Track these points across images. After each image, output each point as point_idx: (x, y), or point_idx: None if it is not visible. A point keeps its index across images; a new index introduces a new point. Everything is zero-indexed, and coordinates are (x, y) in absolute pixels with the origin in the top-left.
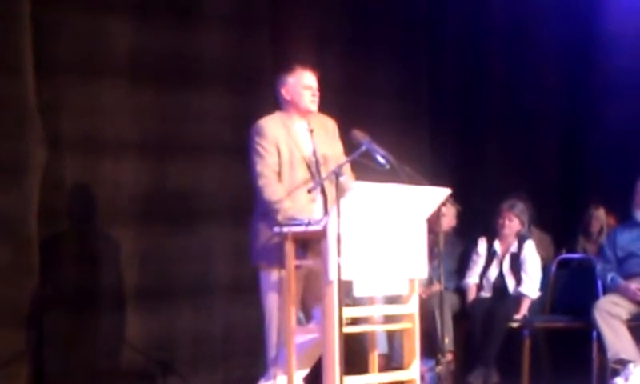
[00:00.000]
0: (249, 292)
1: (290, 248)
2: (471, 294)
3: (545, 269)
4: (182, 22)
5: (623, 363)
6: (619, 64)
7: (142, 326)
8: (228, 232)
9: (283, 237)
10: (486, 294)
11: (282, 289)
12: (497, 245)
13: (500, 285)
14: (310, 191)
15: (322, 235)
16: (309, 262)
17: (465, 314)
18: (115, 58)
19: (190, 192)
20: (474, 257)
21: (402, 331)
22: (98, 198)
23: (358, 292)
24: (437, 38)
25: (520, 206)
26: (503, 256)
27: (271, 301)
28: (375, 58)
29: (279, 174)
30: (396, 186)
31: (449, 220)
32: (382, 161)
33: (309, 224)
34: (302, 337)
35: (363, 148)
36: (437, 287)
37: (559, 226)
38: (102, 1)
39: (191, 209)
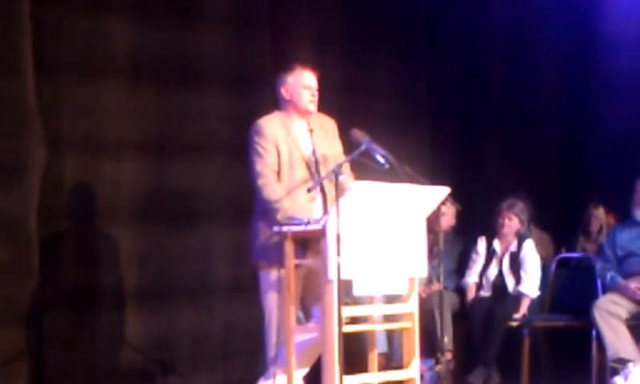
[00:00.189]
0: (248, 291)
1: (289, 247)
2: (471, 294)
3: (544, 268)
4: (182, 22)
5: (623, 362)
6: (619, 64)
7: (142, 325)
8: (228, 232)
9: (283, 236)
10: (486, 293)
11: (282, 288)
12: (496, 244)
13: (499, 284)
14: (309, 190)
15: (321, 234)
16: (308, 262)
17: (464, 314)
18: (115, 58)
19: (189, 192)
20: (474, 256)
21: (401, 330)
22: (97, 198)
23: (357, 291)
24: (436, 38)
25: (519, 205)
26: (503, 255)
27: (271, 300)
28: (375, 58)
29: (278, 173)
30: (395, 186)
31: (448, 219)
32: (381, 160)
33: (308, 223)
34: (301, 336)
35: (363, 147)
36: (436, 286)
37: (559, 225)
38: (101, 1)
39: (191, 208)
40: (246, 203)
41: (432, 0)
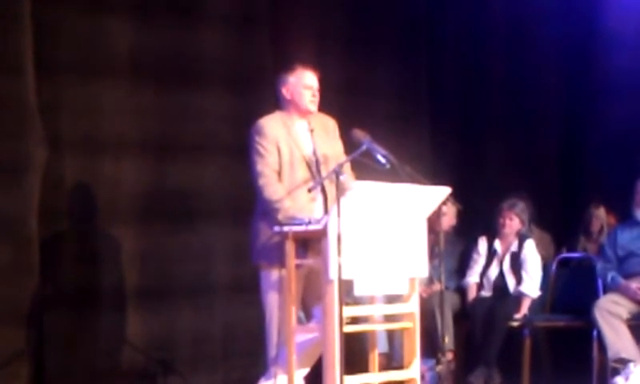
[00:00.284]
0: (249, 291)
1: (290, 247)
2: (471, 294)
3: (545, 268)
4: (182, 21)
5: (624, 362)
6: (619, 63)
7: (143, 325)
8: (228, 231)
9: (283, 236)
10: (487, 293)
11: (283, 288)
12: (497, 244)
13: (500, 284)
14: (310, 190)
15: (322, 234)
16: (309, 261)
17: (465, 314)
18: (115, 57)
19: (190, 192)
20: (475, 256)
21: (402, 330)
22: (98, 198)
23: (358, 291)
24: (437, 38)
25: (520, 205)
26: (503, 255)
27: (272, 300)
28: (375, 58)
29: (279, 173)
30: (396, 186)
31: (449, 219)
32: (382, 160)
33: (309, 223)
34: (302, 336)
35: (364, 147)
36: (437, 286)
37: (559, 225)
38: (102, 1)
39: (191, 208)
40: (246, 203)
41: (432, 0)
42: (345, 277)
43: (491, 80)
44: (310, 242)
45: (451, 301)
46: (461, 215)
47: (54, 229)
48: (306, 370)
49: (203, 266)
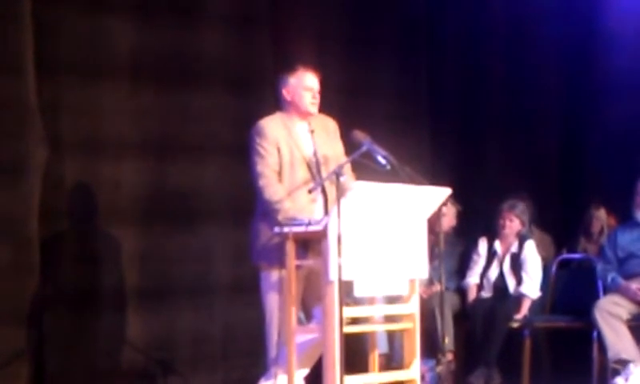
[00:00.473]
0: (249, 292)
1: (290, 248)
2: (472, 294)
3: (545, 269)
4: (183, 22)
5: (624, 363)
6: (619, 63)
7: (143, 325)
8: (228, 232)
9: (284, 237)
10: (487, 294)
11: (283, 289)
12: (497, 245)
13: (500, 285)
14: (310, 191)
15: (322, 235)
16: (309, 262)
17: (465, 314)
18: (116, 58)
19: (190, 192)
20: (475, 257)
21: (402, 331)
22: (98, 198)
23: (358, 292)
24: (437, 38)
25: (520, 206)
26: (504, 256)
27: (272, 301)
28: (375, 58)
29: (279, 174)
30: (396, 186)
31: (449, 220)
32: (382, 161)
33: (309, 224)
34: (302, 336)
35: (364, 148)
36: (437, 287)
37: (560, 226)
38: (102, 1)
39: (191, 209)
40: (246, 204)
41: (432, 0)
42: (345, 277)
43: (491, 80)
44: (311, 243)
45: (451, 301)
46: (461, 216)
47: (54, 229)
48: (306, 371)
49: (203, 267)
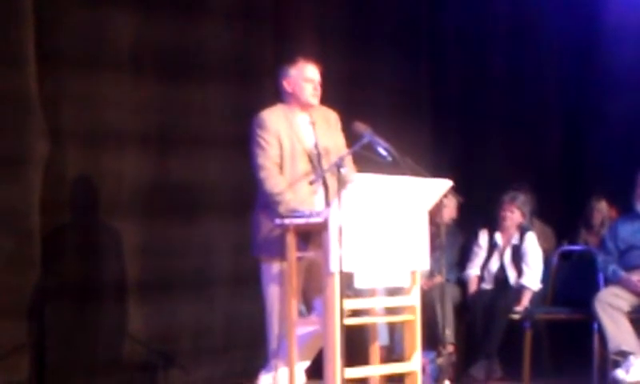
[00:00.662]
0: (250, 284)
1: (291, 240)
2: (472, 286)
3: (546, 261)
4: (184, 14)
5: (624, 355)
6: (622, 57)
7: (144, 318)
8: (230, 224)
9: (285, 229)
10: (487, 285)
11: (284, 281)
12: (498, 237)
13: (501, 277)
14: (311, 183)
15: (323, 227)
16: (310, 254)
17: (466, 306)
18: (117, 50)
19: (191, 184)
20: (476, 249)
21: (403, 323)
22: (99, 191)
23: (359, 284)
24: (439, 31)
25: (521, 198)
26: (504, 248)
27: (272, 293)
28: (377, 50)
29: (281, 166)
30: (398, 178)
31: (449, 211)
32: (383, 153)
33: (310, 216)
34: (303, 329)
35: (365, 140)
36: (438, 279)
37: (561, 217)
38: None
39: (193, 201)
40: (248, 196)
41: None
42: (346, 269)
43: (493, 71)
44: (311, 235)
45: (452, 293)
46: (462, 207)
47: (56, 221)
48: (306, 363)
49: (205, 259)
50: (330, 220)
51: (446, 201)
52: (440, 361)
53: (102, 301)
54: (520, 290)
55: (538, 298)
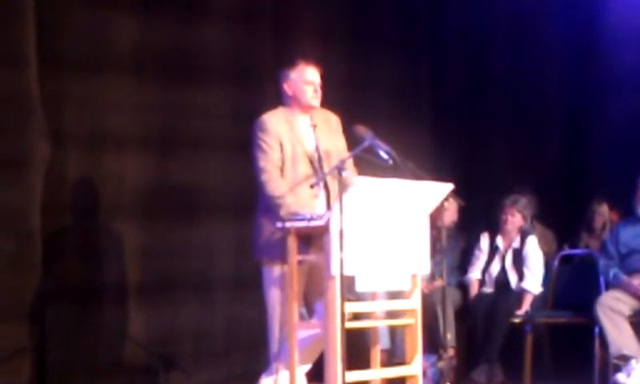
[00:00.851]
0: (251, 287)
1: (292, 243)
2: (473, 290)
3: (547, 264)
4: (185, 17)
5: (625, 359)
6: (623, 59)
7: (145, 320)
8: (231, 227)
9: (286, 232)
10: (489, 289)
11: (285, 284)
12: (499, 240)
13: (502, 280)
14: (312, 186)
15: (324, 230)
16: (311, 257)
17: (467, 310)
18: (119, 52)
19: (192, 187)
20: (477, 252)
21: (404, 327)
22: (101, 193)
23: (360, 287)
24: (439, 33)
25: (523, 202)
26: (505, 251)
27: (273, 296)
28: (377, 53)
29: (282, 169)
30: (399, 181)
31: (450, 215)
32: (384, 156)
33: (311, 219)
34: (304, 332)
35: (366, 143)
36: (439, 282)
37: (562, 221)
38: None
39: (194, 204)
40: (249, 199)
41: None
42: (347, 273)
43: (494, 74)
44: (312, 238)
45: (453, 297)
46: (463, 211)
47: (57, 223)
48: (307, 366)
49: (205, 262)
50: (331, 223)
51: (446, 204)
52: (441, 364)
53: (102, 303)
54: (521, 293)
55: (539, 301)
